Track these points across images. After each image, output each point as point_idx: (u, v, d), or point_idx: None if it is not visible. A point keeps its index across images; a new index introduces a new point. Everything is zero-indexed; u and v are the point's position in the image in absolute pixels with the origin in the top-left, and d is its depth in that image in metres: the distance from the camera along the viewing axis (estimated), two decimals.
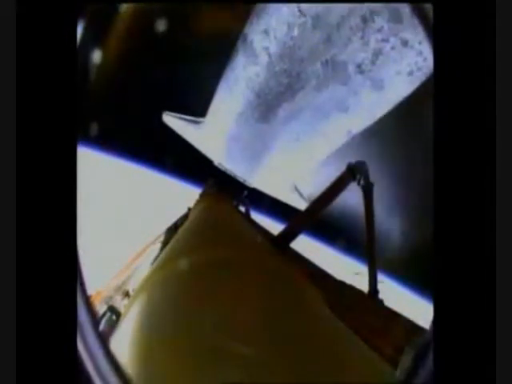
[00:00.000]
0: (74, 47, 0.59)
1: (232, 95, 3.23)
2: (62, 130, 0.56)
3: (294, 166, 3.65)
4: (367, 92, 2.59)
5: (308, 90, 2.78)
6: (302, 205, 4.09)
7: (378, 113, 2.72)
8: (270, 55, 2.71)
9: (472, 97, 0.57)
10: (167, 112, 4.08)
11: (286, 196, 4.18)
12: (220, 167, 4.14)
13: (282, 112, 3.05)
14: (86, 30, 0.63)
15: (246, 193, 3.97)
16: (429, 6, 0.59)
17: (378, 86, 2.51)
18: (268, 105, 3.06)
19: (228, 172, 4.13)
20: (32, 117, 0.56)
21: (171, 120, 4.07)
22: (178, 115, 4.01)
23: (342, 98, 2.71)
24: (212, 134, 3.83)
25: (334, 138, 3.10)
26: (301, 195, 4.07)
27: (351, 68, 2.51)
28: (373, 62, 2.42)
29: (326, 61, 2.56)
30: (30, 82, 0.57)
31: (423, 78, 2.35)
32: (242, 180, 4.14)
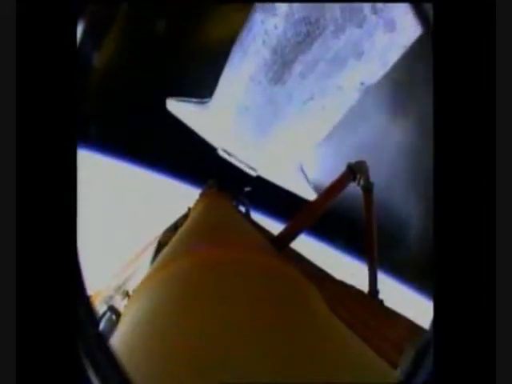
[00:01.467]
0: (74, 47, 0.59)
1: (246, 57, 3.24)
2: (61, 130, 0.56)
3: (305, 134, 3.62)
4: (381, 34, 2.74)
5: (325, 37, 2.88)
6: (306, 189, 4.05)
7: (390, 58, 2.86)
8: (290, 5, 2.81)
9: (472, 96, 0.57)
10: (170, 97, 4.05)
11: (290, 178, 4.12)
12: (223, 155, 4.07)
13: (297, 67, 3.10)
14: (86, 29, 0.63)
15: (246, 190, 3.94)
16: (429, 6, 0.59)
17: (390, 26, 2.67)
18: (284, 61, 3.10)
19: (231, 160, 4.07)
20: (31, 117, 0.56)
21: (175, 105, 4.03)
22: (182, 99, 3.98)
23: (357, 42, 2.83)
24: (219, 113, 3.79)
25: (347, 92, 3.14)
26: (306, 177, 4.03)
27: (367, 9, 2.66)
28: (385, 2, 2.63)
29: (344, 2, 2.70)
30: (30, 82, 0.57)
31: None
32: (245, 167, 4.07)
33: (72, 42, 0.59)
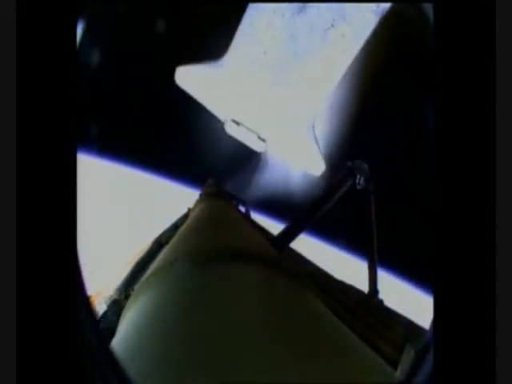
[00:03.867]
0: (74, 47, 0.59)
1: None
2: (61, 132, 0.56)
3: (322, 75, 3.58)
4: None
5: None
6: (316, 159, 3.96)
7: None
8: None
9: (473, 95, 0.57)
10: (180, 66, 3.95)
11: (301, 145, 4.02)
12: (231, 130, 3.97)
13: None
14: (86, 29, 0.63)
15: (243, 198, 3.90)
16: (429, 6, 0.59)
17: None
18: None
19: (239, 134, 3.98)
20: (31, 119, 0.56)
21: (184, 73, 3.92)
22: (194, 63, 3.89)
23: None
24: (234, 66, 3.70)
25: (365, 15, 3.19)
26: (316, 140, 3.96)
27: None
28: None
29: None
30: (30, 83, 0.56)
31: None
32: (254, 138, 3.97)
33: (72, 42, 0.59)
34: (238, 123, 3.89)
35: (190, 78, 3.92)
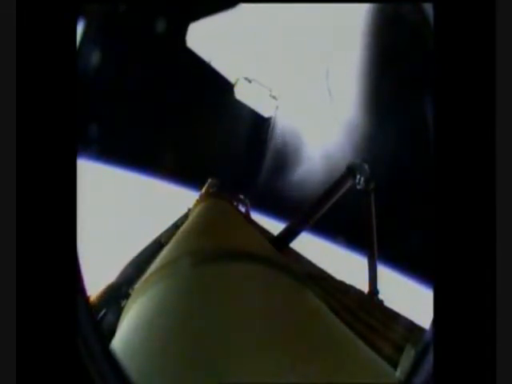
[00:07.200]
0: (74, 47, 0.59)
1: None
2: (61, 133, 0.56)
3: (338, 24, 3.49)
4: None
5: None
6: (326, 104, 3.84)
7: None
8: None
9: (472, 94, 0.57)
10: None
11: (314, 100, 3.87)
12: (240, 94, 3.83)
13: None
14: (86, 29, 0.63)
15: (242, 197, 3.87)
16: (429, 6, 0.59)
17: None
18: None
19: (247, 99, 3.85)
20: (31, 119, 0.56)
21: (196, 29, 3.78)
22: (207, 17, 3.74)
23: None
24: (248, 14, 3.57)
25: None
26: (329, 91, 3.85)
27: None
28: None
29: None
30: (30, 83, 0.56)
31: None
32: (265, 96, 3.82)
33: (72, 42, 0.59)
34: (249, 80, 3.75)
35: (201, 32, 3.75)
